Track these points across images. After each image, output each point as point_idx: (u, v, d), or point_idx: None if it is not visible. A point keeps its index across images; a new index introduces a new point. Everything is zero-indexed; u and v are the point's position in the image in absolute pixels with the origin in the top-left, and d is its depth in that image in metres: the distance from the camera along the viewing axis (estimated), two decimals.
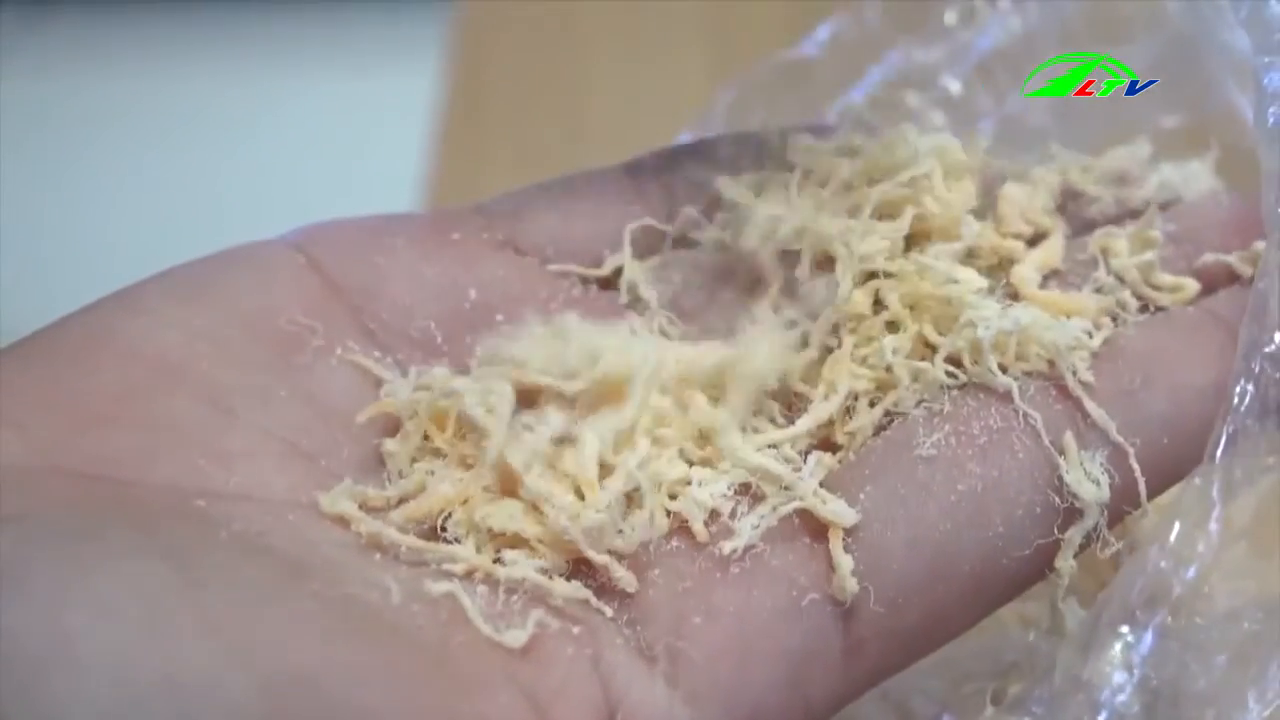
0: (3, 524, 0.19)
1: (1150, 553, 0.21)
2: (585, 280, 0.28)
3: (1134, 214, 0.28)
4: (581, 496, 0.23)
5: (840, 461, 0.24)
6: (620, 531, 0.23)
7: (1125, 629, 0.21)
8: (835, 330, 0.26)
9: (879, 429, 0.25)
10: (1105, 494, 0.23)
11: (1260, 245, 0.26)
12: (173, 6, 0.96)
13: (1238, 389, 0.22)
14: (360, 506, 0.23)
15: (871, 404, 0.25)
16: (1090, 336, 0.25)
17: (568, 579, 0.22)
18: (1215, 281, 0.27)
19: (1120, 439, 0.24)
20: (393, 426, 0.25)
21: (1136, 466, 0.24)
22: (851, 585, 0.22)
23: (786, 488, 0.23)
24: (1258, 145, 0.23)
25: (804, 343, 0.26)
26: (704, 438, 0.25)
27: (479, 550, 0.23)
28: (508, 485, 0.23)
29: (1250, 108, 0.25)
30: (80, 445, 0.21)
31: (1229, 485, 0.21)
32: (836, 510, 0.23)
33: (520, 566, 0.22)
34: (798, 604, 0.22)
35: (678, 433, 0.24)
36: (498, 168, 0.53)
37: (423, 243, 0.27)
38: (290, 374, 0.24)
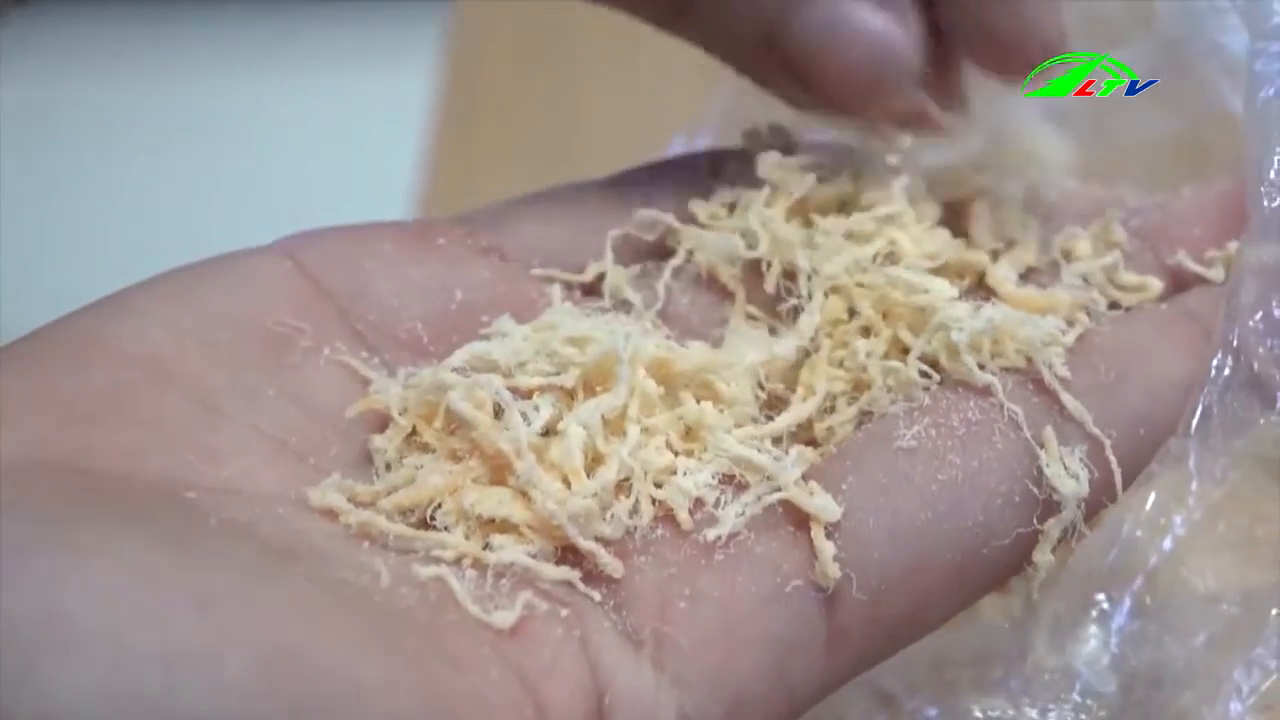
0: None
1: (1124, 521, 0.21)
2: (569, 286, 0.28)
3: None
4: (569, 486, 0.23)
5: (821, 455, 0.25)
6: (607, 518, 0.23)
7: (1101, 596, 0.21)
8: (814, 335, 0.27)
9: (858, 425, 0.25)
10: (1084, 489, 0.24)
11: (1234, 246, 0.26)
12: (166, 8, 0.96)
13: (1214, 361, 0.23)
14: (349, 501, 0.23)
15: (850, 405, 0.26)
16: (1064, 333, 0.26)
17: (555, 565, 0.23)
18: (1187, 280, 0.28)
19: (1097, 431, 0.24)
20: (381, 425, 0.25)
21: (1113, 459, 0.24)
22: (834, 571, 0.22)
23: (769, 478, 0.24)
24: (1245, 130, 0.24)
25: (782, 348, 0.27)
26: (689, 432, 0.25)
27: (467, 538, 0.23)
28: (498, 473, 0.23)
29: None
30: (69, 441, 0.21)
31: (1205, 458, 0.21)
32: (821, 505, 0.23)
33: (509, 551, 0.22)
34: (781, 590, 0.22)
35: (663, 423, 0.25)
36: (492, 170, 0.53)
37: (409, 247, 0.27)
38: (279, 374, 0.24)
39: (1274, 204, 0.21)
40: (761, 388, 0.26)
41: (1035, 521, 0.24)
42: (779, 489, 0.23)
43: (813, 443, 0.26)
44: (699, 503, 0.23)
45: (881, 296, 0.26)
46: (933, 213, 0.29)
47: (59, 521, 0.19)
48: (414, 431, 0.24)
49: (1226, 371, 0.22)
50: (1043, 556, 0.24)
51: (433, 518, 0.23)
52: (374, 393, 0.25)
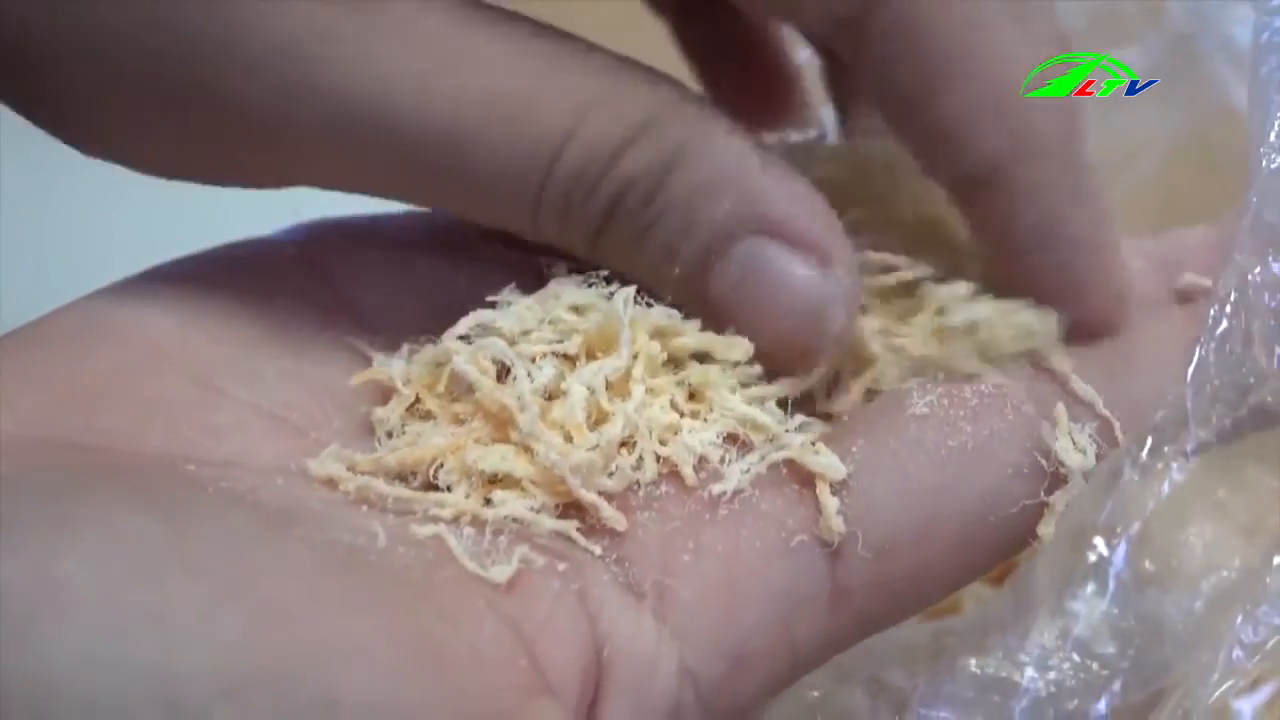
0: None
1: (1123, 465, 0.22)
2: (573, 273, 0.28)
3: None
4: (572, 442, 0.23)
5: (833, 426, 0.25)
6: (611, 472, 0.23)
7: (1099, 541, 0.22)
8: None
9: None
10: (1091, 461, 0.24)
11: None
12: None
13: (1211, 312, 0.23)
14: (348, 470, 0.23)
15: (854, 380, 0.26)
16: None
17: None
18: (1194, 299, 0.28)
19: (1106, 413, 0.24)
20: (383, 399, 0.25)
21: (1122, 440, 0.24)
22: (838, 525, 0.23)
23: (774, 438, 0.24)
24: (1249, 100, 0.24)
25: None
26: (693, 394, 0.25)
27: (468, 496, 0.23)
28: (500, 431, 0.24)
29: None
30: (69, 419, 0.21)
31: (1202, 407, 0.22)
32: (826, 463, 0.23)
33: (508, 504, 0.22)
34: (786, 545, 0.23)
35: (667, 385, 0.25)
36: None
37: (412, 235, 0.27)
38: (280, 357, 0.24)
39: (1274, 165, 0.22)
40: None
41: (1042, 494, 0.24)
42: (784, 448, 0.24)
43: (820, 415, 0.26)
44: (704, 461, 0.24)
45: (876, 282, 0.27)
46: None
47: (57, 493, 0.19)
48: (416, 402, 0.25)
49: (1224, 324, 0.22)
50: (1047, 529, 0.24)
51: (435, 478, 0.23)
52: (378, 364, 0.25)
